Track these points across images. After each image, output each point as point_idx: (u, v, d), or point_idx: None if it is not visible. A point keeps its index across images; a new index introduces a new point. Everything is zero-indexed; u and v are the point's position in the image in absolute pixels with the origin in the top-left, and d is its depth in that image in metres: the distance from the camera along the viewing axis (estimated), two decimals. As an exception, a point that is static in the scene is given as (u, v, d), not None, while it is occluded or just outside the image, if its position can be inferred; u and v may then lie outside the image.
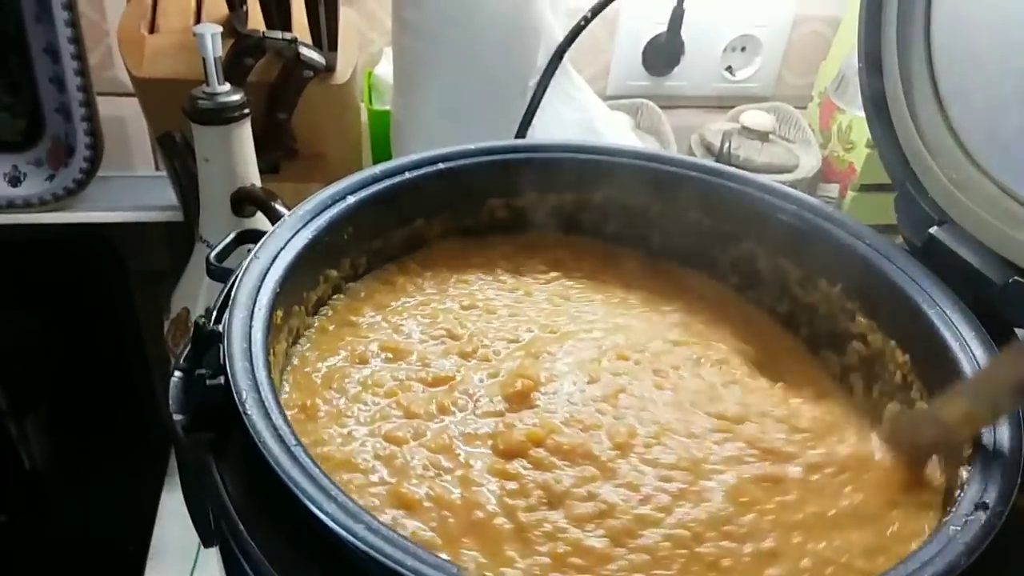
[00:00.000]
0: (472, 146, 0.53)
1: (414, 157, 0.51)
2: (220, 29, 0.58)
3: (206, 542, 0.35)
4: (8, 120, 0.86)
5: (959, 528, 0.32)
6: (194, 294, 0.67)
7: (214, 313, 0.39)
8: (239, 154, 0.62)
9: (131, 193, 0.90)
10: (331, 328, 0.46)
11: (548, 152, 0.53)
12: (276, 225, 0.43)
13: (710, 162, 0.54)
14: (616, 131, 0.82)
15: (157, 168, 0.96)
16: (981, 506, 0.33)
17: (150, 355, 0.96)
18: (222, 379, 0.33)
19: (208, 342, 0.35)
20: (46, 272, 0.92)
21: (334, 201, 0.46)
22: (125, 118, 0.93)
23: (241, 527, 0.30)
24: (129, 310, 0.94)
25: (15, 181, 0.87)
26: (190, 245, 0.76)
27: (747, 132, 0.89)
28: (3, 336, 0.93)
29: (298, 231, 0.44)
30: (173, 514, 0.68)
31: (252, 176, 0.64)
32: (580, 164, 0.53)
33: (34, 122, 0.86)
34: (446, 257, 0.53)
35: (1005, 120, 0.47)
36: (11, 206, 0.87)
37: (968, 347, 0.40)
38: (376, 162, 0.88)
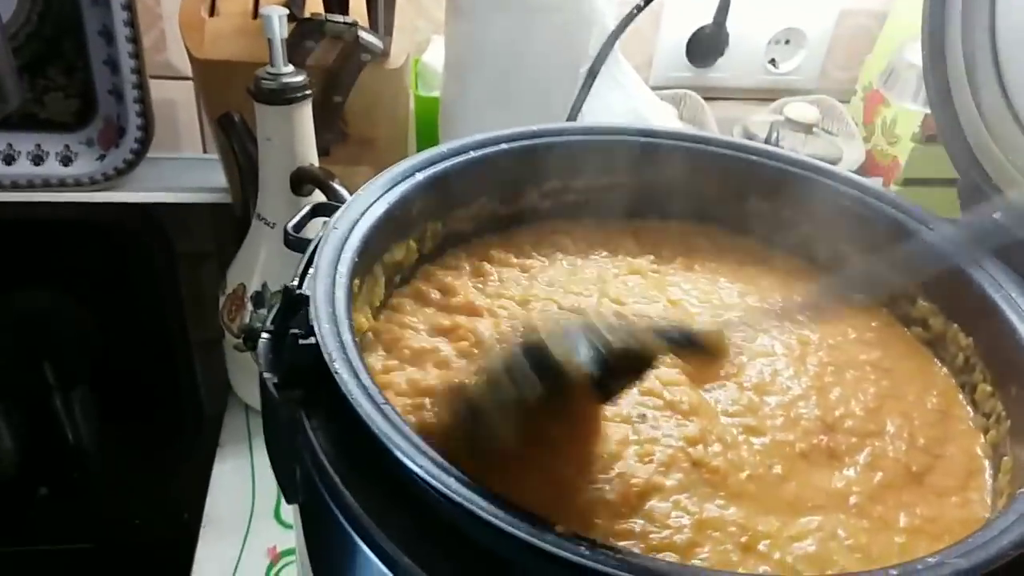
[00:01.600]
0: (534, 127, 0.54)
1: (477, 137, 0.52)
2: (286, 11, 0.60)
3: (290, 498, 0.36)
4: (61, 100, 0.88)
5: (1035, 499, 0.33)
6: (250, 270, 0.68)
7: (297, 280, 0.40)
8: (300, 134, 0.63)
9: (179, 175, 0.92)
10: (407, 303, 0.47)
11: (612, 135, 0.54)
12: (351, 198, 0.44)
13: (767, 146, 0.54)
14: (661, 119, 0.82)
15: (204, 151, 0.98)
16: (1056, 479, 0.33)
17: (193, 334, 0.97)
18: (313, 339, 0.34)
19: (296, 306, 0.36)
20: (94, 251, 0.94)
21: (405, 177, 0.47)
22: (175, 101, 0.95)
23: (337, 480, 0.31)
24: (174, 289, 0.96)
25: (66, 160, 0.89)
26: (235, 226, 0.77)
27: (791, 124, 0.89)
28: (50, 312, 0.95)
29: (372, 203, 0.44)
30: (225, 485, 0.70)
31: (311, 156, 0.65)
32: (651, 147, 0.54)
33: (87, 103, 0.88)
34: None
35: (1070, 109, 0.47)
36: (62, 185, 0.88)
37: (1035, 327, 0.41)
38: (421, 148, 0.89)
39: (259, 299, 0.66)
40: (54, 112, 0.88)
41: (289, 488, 0.36)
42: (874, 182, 0.51)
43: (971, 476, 0.41)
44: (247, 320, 0.68)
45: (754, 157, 0.53)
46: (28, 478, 0.95)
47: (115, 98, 0.87)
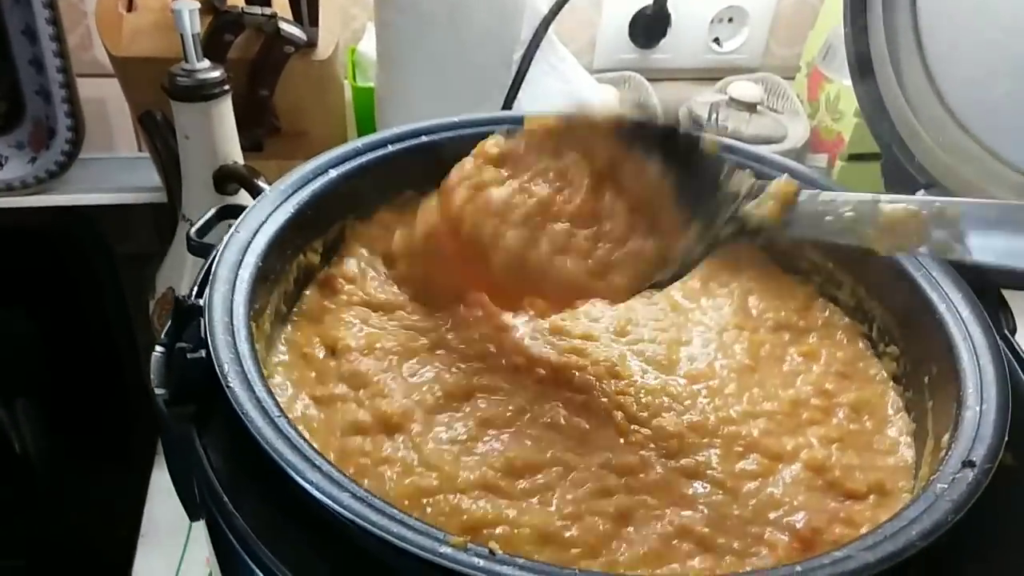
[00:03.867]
0: (456, 118, 0.52)
1: (396, 130, 0.51)
2: (197, 5, 0.58)
3: (192, 516, 0.35)
4: (-12, 104, 0.85)
5: (946, 486, 0.32)
6: (179, 273, 0.66)
7: (194, 289, 0.38)
8: (220, 131, 0.61)
9: (114, 175, 0.90)
10: (325, 302, 0.46)
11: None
12: (257, 199, 0.43)
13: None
14: (602, 102, 0.81)
15: (140, 149, 0.95)
16: (968, 464, 0.33)
17: (138, 337, 0.95)
18: (203, 352, 0.33)
19: (188, 317, 0.35)
20: (31, 256, 0.92)
21: (316, 175, 0.46)
22: (106, 99, 0.92)
23: (225, 499, 0.30)
24: (116, 292, 0.94)
25: (-3, 165, 0.87)
26: (175, 226, 0.75)
27: (735, 103, 0.88)
28: (-12, 323, 0.92)
29: (279, 205, 0.43)
30: (163, 493, 0.68)
31: (234, 154, 0.63)
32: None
33: (14, 105, 0.85)
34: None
35: (993, 86, 0.47)
36: (-7, 190, 0.86)
37: (954, 306, 0.40)
38: (361, 139, 0.87)
39: (189, 303, 0.65)
40: (-19, 116, 0.86)
41: (190, 504, 0.35)
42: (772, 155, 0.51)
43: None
44: (178, 324, 0.67)
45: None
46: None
47: (43, 98, 0.85)
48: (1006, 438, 0.34)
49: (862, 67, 0.50)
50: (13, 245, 0.91)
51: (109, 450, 0.87)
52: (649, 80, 0.93)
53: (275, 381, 0.41)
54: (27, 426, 0.94)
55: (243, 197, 0.64)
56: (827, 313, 0.49)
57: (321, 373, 0.42)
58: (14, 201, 0.86)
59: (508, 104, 0.74)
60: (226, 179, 0.61)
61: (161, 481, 0.69)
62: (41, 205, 0.87)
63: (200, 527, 0.65)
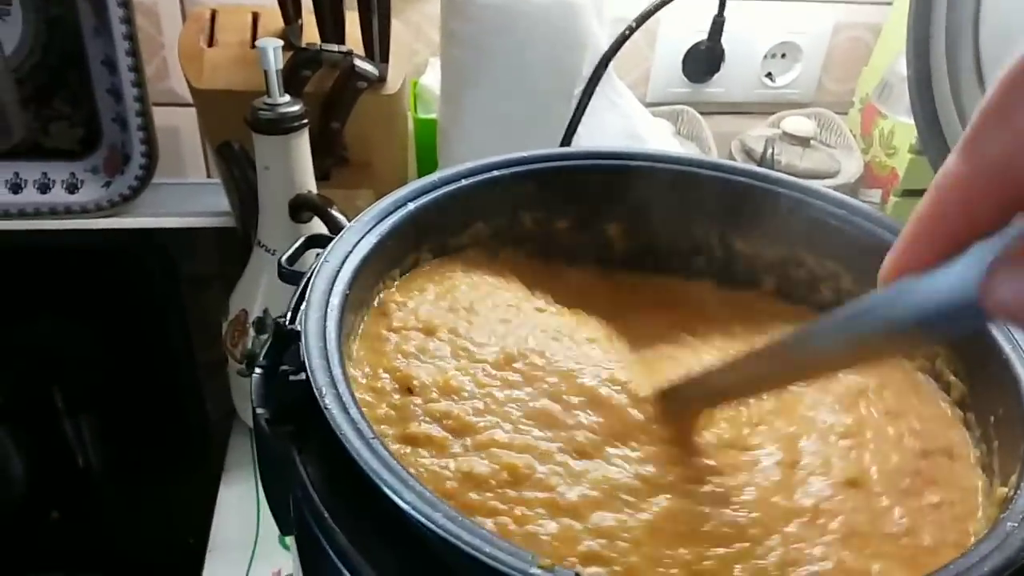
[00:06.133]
0: (524, 154, 0.54)
1: (470, 165, 0.53)
2: (281, 43, 0.61)
3: (285, 530, 0.37)
4: (66, 129, 0.89)
5: (1016, 524, 0.33)
6: (252, 296, 0.69)
7: (289, 314, 0.40)
8: (297, 162, 0.64)
9: (183, 199, 0.93)
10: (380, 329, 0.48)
11: (600, 160, 0.54)
12: (344, 230, 0.45)
13: (762, 169, 0.55)
14: (658, 137, 0.83)
15: (208, 175, 0.99)
16: (1039, 503, 0.33)
17: (200, 357, 0.98)
18: (303, 375, 0.35)
19: (288, 341, 0.37)
20: (101, 276, 0.95)
21: (396, 207, 0.48)
22: (178, 127, 0.96)
23: (325, 514, 0.32)
24: (180, 313, 0.97)
25: (72, 188, 0.91)
26: (239, 250, 0.78)
27: (789, 138, 0.90)
28: (58, 338, 0.96)
29: (363, 236, 0.45)
30: (230, 509, 0.70)
31: (309, 183, 0.66)
32: (636, 171, 0.55)
33: (91, 131, 0.89)
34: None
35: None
36: (68, 212, 0.90)
37: (1020, 346, 0.41)
38: (421, 169, 0.90)
39: (261, 325, 0.67)
40: (60, 141, 0.90)
41: (283, 520, 0.36)
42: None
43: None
44: (249, 346, 0.70)
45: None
46: (38, 503, 0.96)
47: (119, 126, 0.89)
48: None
49: (926, 114, 0.51)
50: (84, 264, 0.94)
51: (173, 465, 0.90)
52: (702, 114, 0.95)
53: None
54: (93, 441, 0.98)
55: (315, 224, 0.66)
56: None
57: (401, 409, 0.41)
58: (87, 223, 0.90)
59: (568, 137, 0.76)
60: (301, 208, 0.64)
61: (227, 498, 0.72)
62: (113, 227, 0.91)
63: (266, 542, 0.68)
